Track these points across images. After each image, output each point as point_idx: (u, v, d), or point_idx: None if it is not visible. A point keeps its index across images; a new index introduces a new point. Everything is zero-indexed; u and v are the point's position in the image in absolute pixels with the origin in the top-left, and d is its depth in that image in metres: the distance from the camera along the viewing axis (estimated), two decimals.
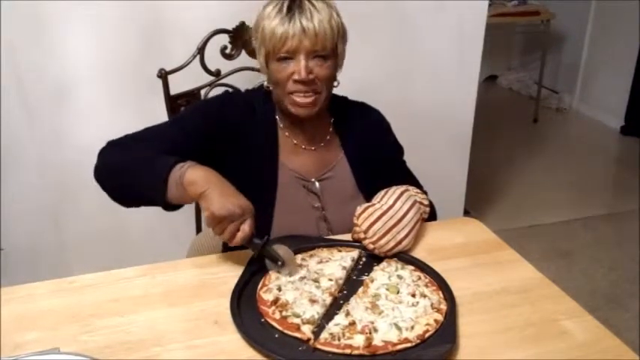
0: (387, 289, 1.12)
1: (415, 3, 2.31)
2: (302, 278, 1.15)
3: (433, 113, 2.51)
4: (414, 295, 1.10)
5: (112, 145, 1.29)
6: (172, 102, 1.71)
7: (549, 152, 4.07)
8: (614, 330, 1.04)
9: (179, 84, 1.70)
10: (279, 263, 1.16)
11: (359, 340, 0.98)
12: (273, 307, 1.06)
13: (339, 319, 1.03)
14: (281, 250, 1.17)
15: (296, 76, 1.26)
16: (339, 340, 0.99)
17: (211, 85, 1.75)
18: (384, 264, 1.21)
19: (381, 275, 1.17)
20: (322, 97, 1.31)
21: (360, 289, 1.13)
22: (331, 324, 1.02)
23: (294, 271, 1.16)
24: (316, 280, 1.14)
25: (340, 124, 1.44)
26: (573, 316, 1.08)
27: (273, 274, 1.16)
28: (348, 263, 1.20)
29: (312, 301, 1.07)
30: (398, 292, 1.11)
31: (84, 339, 1.01)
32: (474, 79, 2.55)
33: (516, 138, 4.31)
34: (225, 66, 1.76)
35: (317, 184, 1.39)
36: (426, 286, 1.14)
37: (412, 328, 1.02)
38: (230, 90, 1.55)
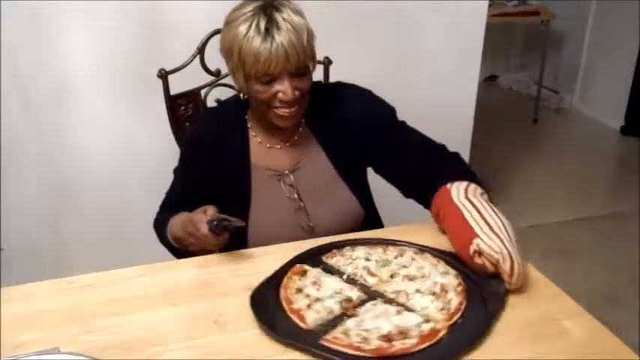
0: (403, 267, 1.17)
1: (415, 3, 2.31)
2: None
3: (433, 113, 2.49)
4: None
5: (155, 219, 1.46)
6: (172, 102, 1.71)
7: (549, 152, 4.06)
8: (614, 330, 1.04)
9: (179, 84, 1.70)
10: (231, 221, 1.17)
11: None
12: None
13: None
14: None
15: (282, 97, 1.26)
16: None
17: (211, 85, 1.75)
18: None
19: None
20: (304, 103, 1.32)
21: (375, 281, 1.14)
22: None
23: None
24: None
25: (312, 113, 1.40)
26: (573, 316, 1.08)
27: (298, 296, 1.10)
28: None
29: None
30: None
31: (84, 339, 1.01)
32: (474, 79, 2.55)
33: (516, 138, 4.30)
34: (225, 66, 1.76)
35: (291, 176, 1.40)
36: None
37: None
38: (200, 114, 1.72)
